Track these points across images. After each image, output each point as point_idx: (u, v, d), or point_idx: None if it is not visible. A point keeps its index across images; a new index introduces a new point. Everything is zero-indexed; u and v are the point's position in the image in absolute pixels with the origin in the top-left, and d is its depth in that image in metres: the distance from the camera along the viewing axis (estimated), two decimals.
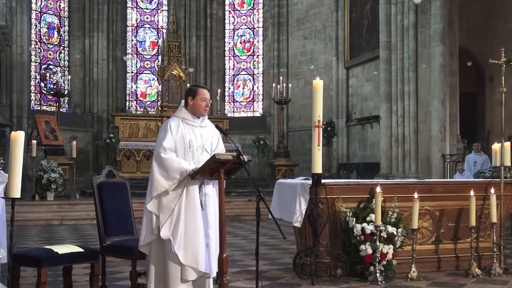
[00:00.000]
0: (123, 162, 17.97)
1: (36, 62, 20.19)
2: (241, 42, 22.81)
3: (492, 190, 6.89)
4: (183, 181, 4.77)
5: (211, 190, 4.95)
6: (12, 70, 18.50)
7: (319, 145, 6.23)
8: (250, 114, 22.65)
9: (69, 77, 18.92)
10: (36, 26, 20.18)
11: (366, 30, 17.36)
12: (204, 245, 4.78)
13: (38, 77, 20.23)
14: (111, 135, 18.26)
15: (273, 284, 6.38)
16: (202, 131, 5.02)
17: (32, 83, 19.98)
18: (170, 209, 4.75)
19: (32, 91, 19.96)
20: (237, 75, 22.81)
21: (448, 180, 10.91)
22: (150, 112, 20.58)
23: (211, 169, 4.79)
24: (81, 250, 5.08)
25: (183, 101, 5.11)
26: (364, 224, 6.39)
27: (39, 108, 19.90)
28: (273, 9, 21.74)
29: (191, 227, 4.75)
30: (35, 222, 13.18)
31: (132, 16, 22.29)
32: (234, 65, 22.83)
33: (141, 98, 22.13)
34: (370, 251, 6.33)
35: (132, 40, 22.25)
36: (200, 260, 4.72)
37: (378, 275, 6.27)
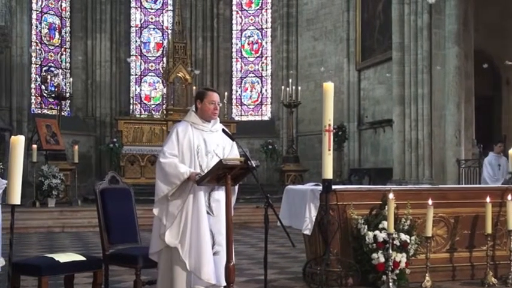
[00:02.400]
0: (127, 168, 17.76)
1: (36, 64, 20.01)
2: (249, 44, 22.67)
3: (509, 196, 6.78)
4: (188, 187, 4.74)
5: (223, 196, 4.88)
6: (11, 72, 18.31)
7: (329, 150, 6.11)
8: (258, 118, 22.50)
9: (71, 79, 18.82)
10: (36, 26, 20.02)
11: (378, 31, 17.21)
12: (210, 254, 4.74)
13: (38, 79, 20.05)
14: (115, 140, 18.03)
15: None
16: (212, 136, 4.98)
17: (33, 85, 19.81)
18: (174, 216, 4.76)
19: (33, 94, 19.79)
20: (245, 77, 22.67)
21: (463, 186, 10.79)
22: (154, 116, 20.42)
23: (218, 175, 4.72)
24: (83, 258, 5.04)
25: (193, 105, 5.09)
26: (377, 232, 6.30)
27: (39, 111, 19.77)
28: (281, 9, 21.58)
29: (196, 235, 4.72)
30: (36, 230, 13.02)
31: (136, 16, 22.19)
32: (241, 67, 22.69)
33: (145, 101, 22.01)
34: (382, 259, 6.23)
35: (136, 41, 22.15)
36: (204, 269, 4.68)
37: (390, 284, 6.16)
